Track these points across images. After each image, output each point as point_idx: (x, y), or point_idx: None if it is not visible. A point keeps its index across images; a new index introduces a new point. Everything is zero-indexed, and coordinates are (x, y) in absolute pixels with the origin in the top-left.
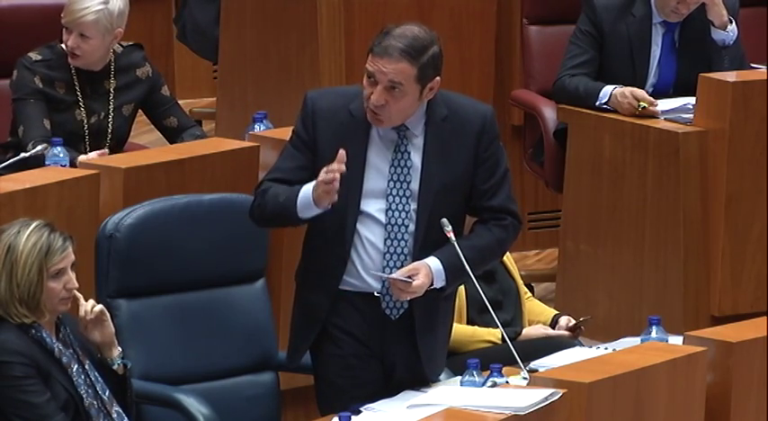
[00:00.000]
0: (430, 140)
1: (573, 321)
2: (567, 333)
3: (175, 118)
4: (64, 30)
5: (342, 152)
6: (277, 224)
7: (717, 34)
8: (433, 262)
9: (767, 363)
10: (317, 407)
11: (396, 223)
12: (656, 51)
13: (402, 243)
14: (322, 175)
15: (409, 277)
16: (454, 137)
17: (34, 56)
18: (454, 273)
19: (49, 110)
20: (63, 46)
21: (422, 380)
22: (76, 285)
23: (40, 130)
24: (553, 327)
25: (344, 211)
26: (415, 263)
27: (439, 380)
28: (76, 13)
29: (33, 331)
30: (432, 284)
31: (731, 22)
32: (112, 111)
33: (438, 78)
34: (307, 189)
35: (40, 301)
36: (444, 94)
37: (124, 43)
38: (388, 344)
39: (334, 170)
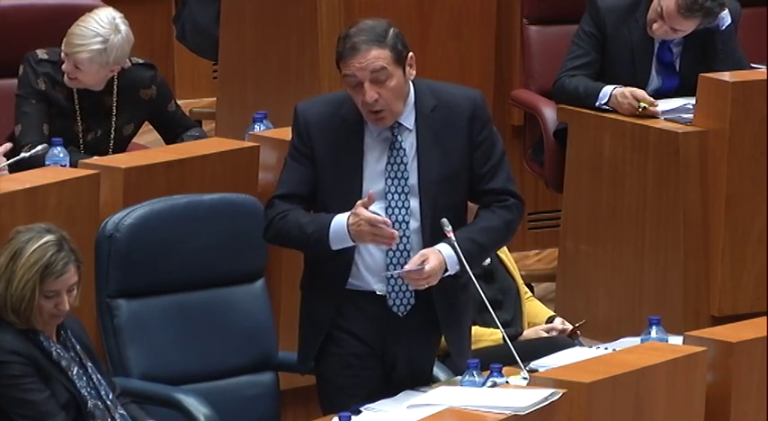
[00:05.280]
0: (422, 133)
1: (566, 323)
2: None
3: (181, 128)
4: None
5: (371, 193)
6: (300, 250)
7: None
8: (443, 247)
9: (767, 363)
10: (319, 405)
11: (396, 220)
12: (657, 57)
13: (404, 239)
14: (368, 228)
15: (420, 264)
16: (446, 126)
17: (41, 54)
18: (467, 256)
19: (51, 113)
20: None
21: (422, 379)
22: (67, 308)
23: (36, 136)
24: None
25: None
26: (424, 250)
27: (439, 380)
28: (73, 47)
29: (31, 334)
30: (446, 270)
31: (724, 9)
32: (114, 132)
33: (412, 54)
34: (340, 223)
35: (30, 316)
36: (431, 84)
37: (134, 59)
38: (390, 342)
39: (379, 222)
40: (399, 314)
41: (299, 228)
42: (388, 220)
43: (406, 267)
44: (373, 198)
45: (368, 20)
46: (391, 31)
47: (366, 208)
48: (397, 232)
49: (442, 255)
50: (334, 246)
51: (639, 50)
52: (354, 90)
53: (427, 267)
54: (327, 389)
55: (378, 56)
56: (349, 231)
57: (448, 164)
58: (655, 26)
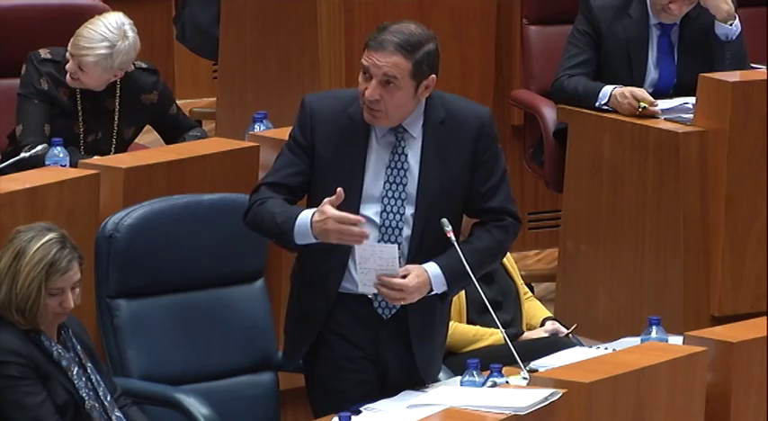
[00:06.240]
0: (427, 143)
1: (561, 327)
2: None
3: (182, 129)
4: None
5: (340, 190)
6: (271, 239)
7: (720, 28)
8: (430, 267)
9: (767, 363)
10: (310, 408)
11: (390, 225)
12: (653, 52)
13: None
14: (335, 226)
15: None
16: (452, 140)
17: (44, 53)
18: (455, 276)
19: (53, 114)
20: None
21: (416, 382)
22: (72, 305)
23: (37, 136)
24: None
25: None
26: (410, 265)
27: (439, 380)
28: (80, 49)
29: (33, 334)
30: (431, 290)
31: (735, 18)
32: (115, 136)
33: (434, 77)
34: (305, 217)
35: (36, 315)
36: (442, 96)
37: (138, 63)
38: (381, 345)
39: (350, 220)
40: (384, 316)
41: (271, 217)
42: (361, 219)
43: (382, 277)
44: (342, 196)
45: (413, 24)
46: (427, 46)
47: (333, 206)
48: (367, 231)
49: (427, 274)
50: (298, 241)
51: (635, 46)
52: (363, 78)
53: (402, 281)
54: (319, 393)
55: (397, 64)
56: (312, 227)
57: (448, 177)
58: (672, 7)
